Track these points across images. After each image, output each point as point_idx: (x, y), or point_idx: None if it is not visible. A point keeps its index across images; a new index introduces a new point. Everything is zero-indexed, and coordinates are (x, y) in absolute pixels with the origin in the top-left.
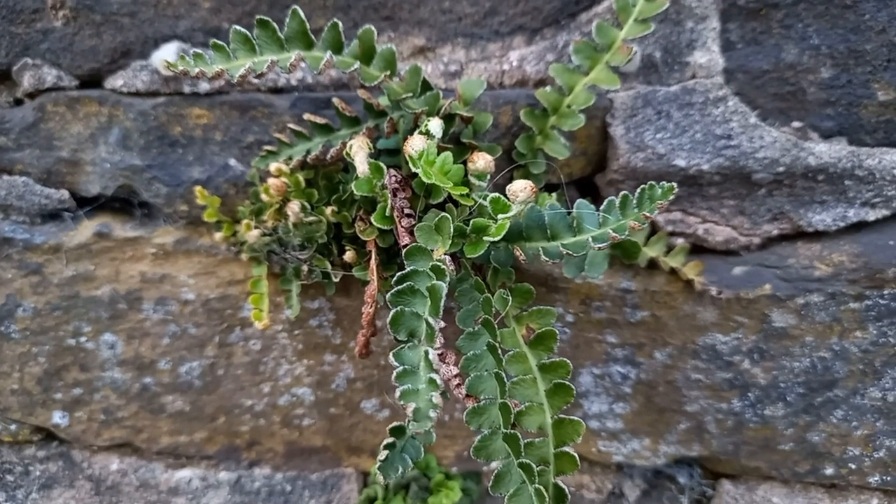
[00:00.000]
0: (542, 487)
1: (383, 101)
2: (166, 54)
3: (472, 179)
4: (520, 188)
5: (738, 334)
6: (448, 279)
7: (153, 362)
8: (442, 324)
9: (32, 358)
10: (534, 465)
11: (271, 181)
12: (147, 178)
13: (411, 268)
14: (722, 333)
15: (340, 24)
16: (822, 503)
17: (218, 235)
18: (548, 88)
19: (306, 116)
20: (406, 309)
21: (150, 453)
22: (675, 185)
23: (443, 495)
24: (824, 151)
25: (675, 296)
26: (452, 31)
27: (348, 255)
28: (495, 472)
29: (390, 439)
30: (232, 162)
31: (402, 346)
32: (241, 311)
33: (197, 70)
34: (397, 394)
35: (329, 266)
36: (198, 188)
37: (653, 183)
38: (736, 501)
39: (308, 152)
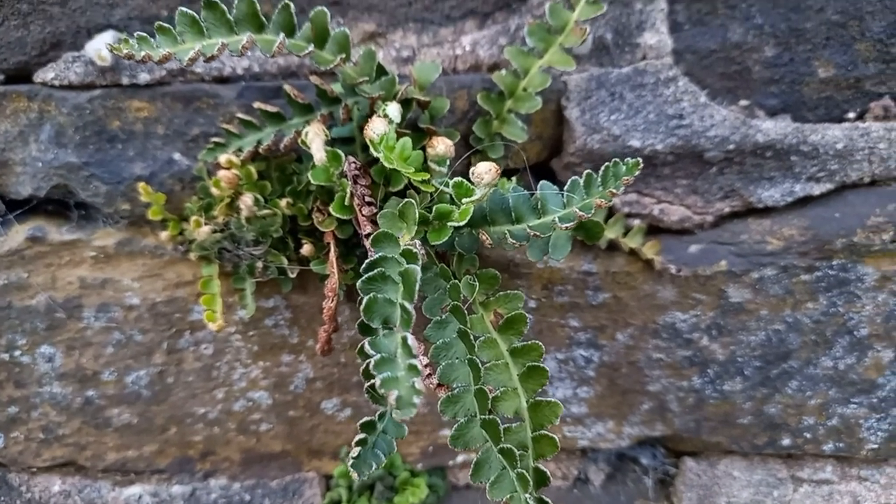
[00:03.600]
0: (524, 472)
1: (337, 88)
2: (101, 44)
3: (432, 165)
4: (484, 170)
5: (696, 311)
6: (420, 263)
7: (96, 374)
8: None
9: None
10: (515, 450)
11: (222, 173)
12: (84, 176)
13: (380, 254)
14: (681, 311)
15: (292, 5)
16: (780, 473)
17: (164, 235)
18: (503, 72)
19: (257, 105)
20: (379, 295)
21: (96, 471)
22: (640, 160)
23: (409, 493)
24: (771, 128)
25: (635, 276)
26: (403, 15)
27: (306, 249)
28: (474, 460)
29: (361, 435)
30: (176, 156)
31: (377, 333)
32: (191, 315)
33: (143, 54)
34: (377, 382)
35: (285, 261)
36: (141, 185)
37: (617, 160)
38: (699, 478)
39: (259, 143)
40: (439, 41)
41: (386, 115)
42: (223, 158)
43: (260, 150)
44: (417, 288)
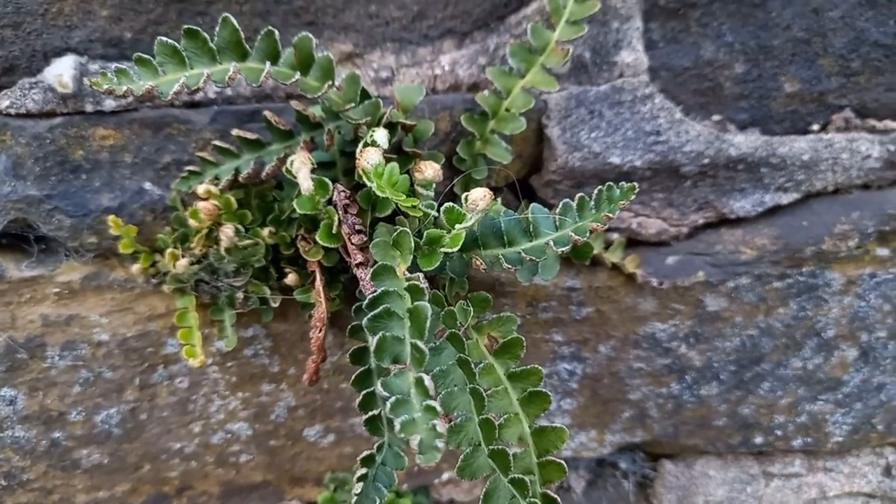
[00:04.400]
0: (537, 501)
1: (317, 112)
2: (61, 69)
3: (418, 189)
4: (479, 196)
5: (675, 321)
6: (427, 297)
7: (62, 414)
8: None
9: None
10: (526, 480)
11: (200, 204)
12: (46, 209)
13: (381, 289)
14: (661, 322)
15: (276, 31)
16: (752, 469)
17: (135, 267)
18: (486, 92)
19: (235, 132)
20: (388, 334)
21: None
22: (635, 184)
23: None
24: (742, 142)
25: (617, 290)
26: (380, 35)
27: (290, 278)
28: (483, 490)
29: (362, 470)
30: (147, 186)
31: (388, 373)
32: (164, 348)
33: (125, 88)
34: (397, 427)
35: (268, 291)
36: (111, 217)
37: (611, 184)
38: (677, 479)
39: (237, 171)
40: (418, 61)
41: (375, 143)
42: (202, 189)
43: (239, 179)
44: (429, 325)
